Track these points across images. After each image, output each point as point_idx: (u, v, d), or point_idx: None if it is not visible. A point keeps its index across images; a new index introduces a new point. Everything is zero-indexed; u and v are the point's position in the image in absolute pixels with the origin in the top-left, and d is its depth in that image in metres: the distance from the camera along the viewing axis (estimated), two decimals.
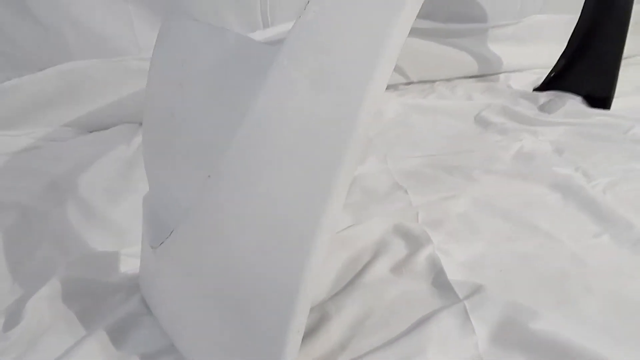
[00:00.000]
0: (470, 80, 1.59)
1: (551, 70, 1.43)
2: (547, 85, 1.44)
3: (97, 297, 0.75)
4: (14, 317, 0.70)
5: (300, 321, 0.50)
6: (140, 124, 1.34)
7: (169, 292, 0.62)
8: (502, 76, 1.61)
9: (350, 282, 0.76)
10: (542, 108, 1.35)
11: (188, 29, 0.61)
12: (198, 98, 0.58)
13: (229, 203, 0.51)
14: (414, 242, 0.83)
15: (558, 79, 1.41)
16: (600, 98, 1.31)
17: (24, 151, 1.23)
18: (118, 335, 0.68)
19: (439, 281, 0.74)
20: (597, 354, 0.58)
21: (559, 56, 1.44)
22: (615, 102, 1.33)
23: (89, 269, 0.79)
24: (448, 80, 1.58)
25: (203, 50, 0.59)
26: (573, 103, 1.34)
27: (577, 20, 1.37)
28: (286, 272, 0.49)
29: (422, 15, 1.46)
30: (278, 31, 1.33)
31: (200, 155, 0.57)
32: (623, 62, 1.30)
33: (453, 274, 0.74)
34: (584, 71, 1.35)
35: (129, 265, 0.82)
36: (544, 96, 1.40)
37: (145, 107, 0.66)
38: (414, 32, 1.28)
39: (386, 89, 0.52)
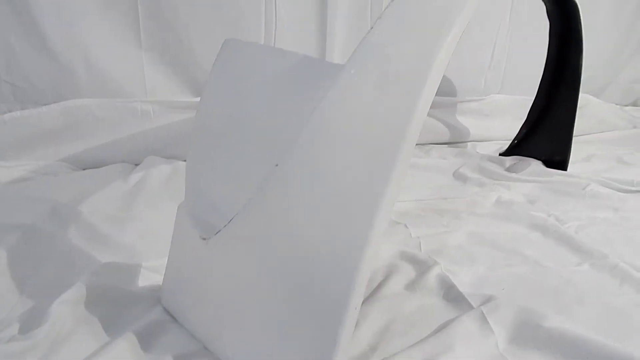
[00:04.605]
0: (442, 146, 1.75)
1: (514, 138, 1.61)
2: (511, 151, 1.61)
3: (119, 305, 0.75)
4: (35, 319, 0.69)
5: (358, 296, 0.55)
6: (136, 164, 1.37)
7: (218, 284, 0.64)
8: (469, 144, 1.79)
9: (370, 296, 0.81)
10: (509, 169, 1.50)
11: (249, 48, 0.70)
12: (258, 104, 0.65)
13: (296, 188, 0.57)
14: (422, 265, 0.89)
15: (520, 146, 1.59)
16: (557, 162, 1.49)
17: (18, 181, 1.22)
18: (146, 339, 0.68)
19: (452, 294, 0.80)
20: (604, 344, 0.65)
21: (516, 130, 1.63)
22: (569, 168, 1.51)
23: (110, 277, 0.79)
24: (422, 144, 1.73)
25: (264, 66, 0.67)
26: (535, 165, 1.51)
27: (529, 101, 1.58)
28: (348, 249, 0.54)
29: None
30: None
31: (259, 152, 0.63)
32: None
33: (463, 288, 0.81)
34: (542, 139, 1.54)
35: (148, 278, 0.83)
36: (509, 160, 1.57)
37: (197, 117, 0.72)
38: None
39: None
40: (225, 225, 0.61)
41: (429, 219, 1.12)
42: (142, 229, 1.00)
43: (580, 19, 1.30)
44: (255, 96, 0.66)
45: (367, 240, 0.54)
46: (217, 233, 0.62)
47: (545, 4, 1.34)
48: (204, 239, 0.64)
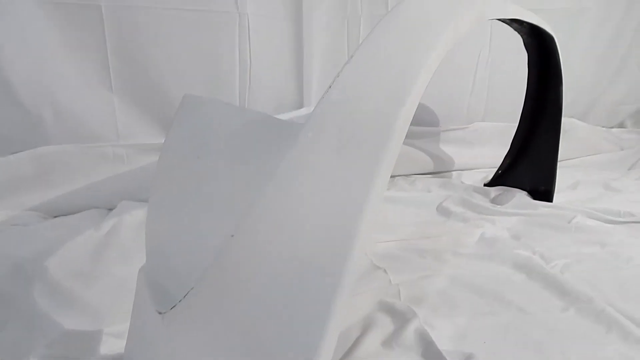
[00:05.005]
0: (427, 176, 1.73)
1: (498, 168, 1.59)
2: (496, 181, 1.59)
3: None
4: None
5: None
6: (110, 209, 1.34)
7: (176, 358, 0.60)
8: (454, 174, 1.77)
9: (345, 355, 0.76)
10: (493, 201, 1.48)
11: (208, 105, 0.67)
12: (216, 166, 0.62)
13: (253, 259, 0.54)
14: (400, 317, 0.85)
15: (505, 176, 1.57)
16: (542, 192, 1.47)
17: None
18: None
19: (430, 352, 0.76)
20: None
21: (502, 157, 1.61)
22: (556, 197, 1.49)
23: (69, 348, 0.75)
24: (407, 175, 1.71)
25: (223, 125, 0.64)
26: (520, 196, 1.48)
27: (513, 127, 1.56)
28: (311, 321, 0.51)
29: None
30: None
31: (217, 218, 0.60)
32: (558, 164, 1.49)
33: (442, 345, 0.77)
34: (527, 169, 1.52)
35: (110, 345, 0.78)
36: (494, 190, 1.54)
37: (156, 177, 0.69)
38: None
39: None
40: (180, 300, 0.58)
41: (410, 262, 1.09)
42: (110, 286, 0.96)
43: (557, 51, 1.29)
44: (213, 159, 0.63)
45: (331, 311, 0.51)
46: (172, 307, 0.58)
47: (522, 36, 1.33)
48: (161, 312, 0.60)
